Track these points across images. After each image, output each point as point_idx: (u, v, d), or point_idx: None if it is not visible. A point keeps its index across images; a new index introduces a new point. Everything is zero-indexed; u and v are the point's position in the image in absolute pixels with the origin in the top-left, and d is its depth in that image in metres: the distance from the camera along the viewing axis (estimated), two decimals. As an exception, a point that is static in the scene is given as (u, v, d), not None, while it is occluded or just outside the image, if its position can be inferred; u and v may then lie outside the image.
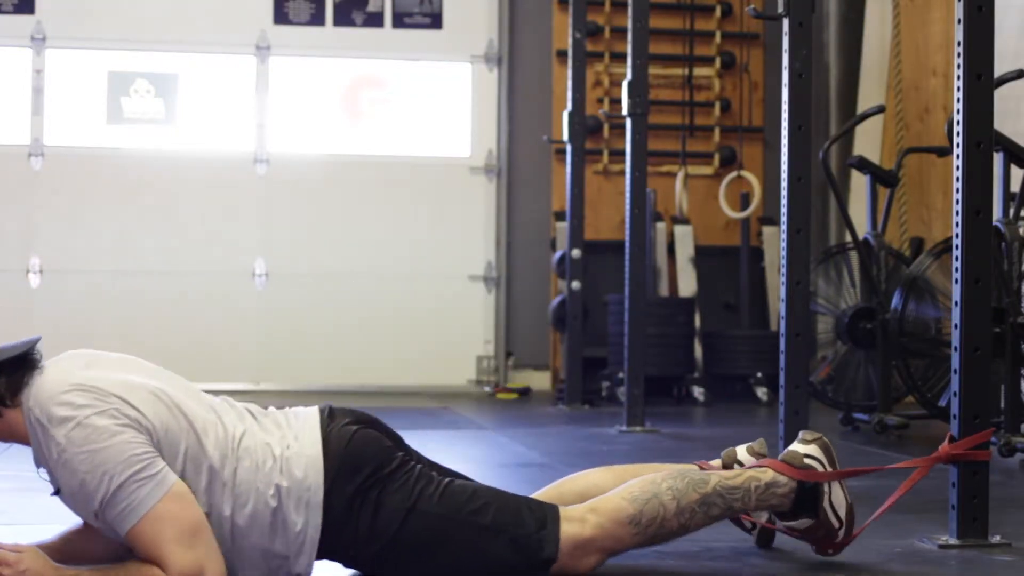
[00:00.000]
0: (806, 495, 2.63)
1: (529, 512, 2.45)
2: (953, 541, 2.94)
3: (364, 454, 2.40)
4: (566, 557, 2.43)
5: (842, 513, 2.67)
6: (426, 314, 7.82)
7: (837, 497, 2.67)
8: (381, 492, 2.38)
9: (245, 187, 7.75)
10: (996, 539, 2.95)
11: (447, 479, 2.48)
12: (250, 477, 2.34)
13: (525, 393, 7.65)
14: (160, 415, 2.29)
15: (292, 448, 2.38)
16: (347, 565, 2.46)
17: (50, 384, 2.26)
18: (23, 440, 2.33)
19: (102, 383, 2.27)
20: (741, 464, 2.74)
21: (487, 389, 7.76)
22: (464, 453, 5.08)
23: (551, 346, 7.95)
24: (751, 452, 2.77)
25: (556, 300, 7.28)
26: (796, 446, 2.71)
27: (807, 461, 2.66)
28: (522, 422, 6.05)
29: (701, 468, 2.69)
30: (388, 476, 2.40)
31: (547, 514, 2.45)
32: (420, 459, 2.54)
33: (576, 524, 2.45)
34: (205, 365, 7.56)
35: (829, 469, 2.67)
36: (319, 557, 2.40)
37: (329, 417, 2.46)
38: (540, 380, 7.95)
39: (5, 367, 2.31)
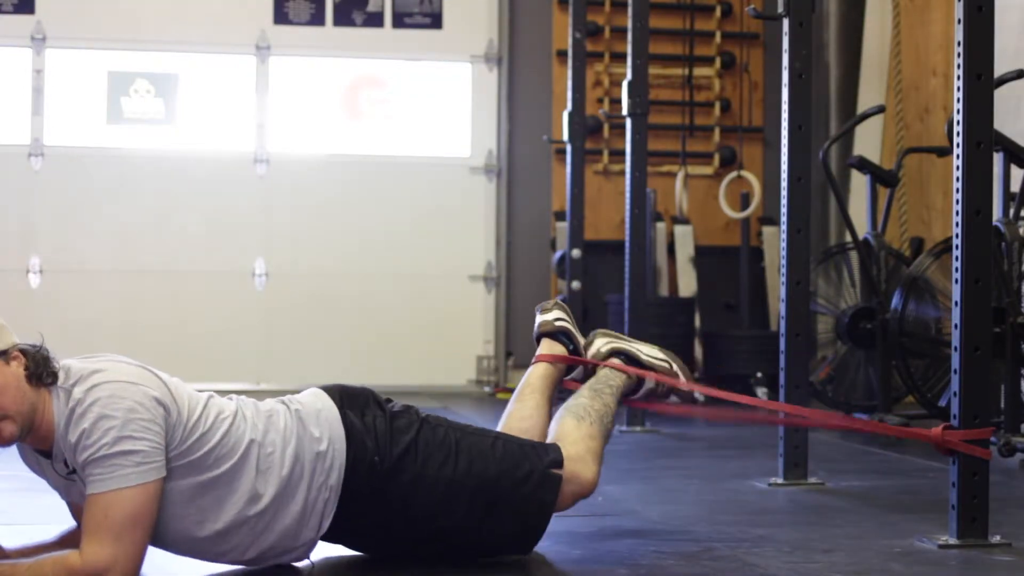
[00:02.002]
0: (630, 360, 3.10)
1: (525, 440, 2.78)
2: (953, 541, 2.94)
3: (361, 391, 2.69)
4: (570, 464, 2.69)
5: (661, 355, 3.16)
6: (426, 314, 7.82)
7: (651, 351, 3.15)
8: (392, 411, 2.64)
9: (245, 187, 7.75)
10: (996, 539, 2.95)
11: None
12: (268, 423, 2.52)
13: (525, 393, 7.64)
14: (184, 399, 2.44)
15: (290, 397, 2.66)
16: (371, 486, 2.54)
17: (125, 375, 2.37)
18: (44, 428, 2.36)
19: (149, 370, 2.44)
20: (550, 321, 3.15)
21: (487, 389, 7.76)
22: (464, 453, 5.08)
23: (551, 346, 7.94)
24: (544, 311, 3.18)
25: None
26: (541, 317, 3.16)
27: (559, 324, 3.13)
28: (522, 422, 6.04)
29: (546, 361, 3.09)
30: (390, 402, 2.70)
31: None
32: None
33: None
34: (205, 365, 7.57)
35: (572, 322, 3.16)
36: (346, 479, 2.52)
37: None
38: (540, 380, 7.93)
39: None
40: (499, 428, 2.94)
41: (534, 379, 3.06)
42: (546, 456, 2.67)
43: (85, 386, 2.32)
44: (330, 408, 2.57)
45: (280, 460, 2.47)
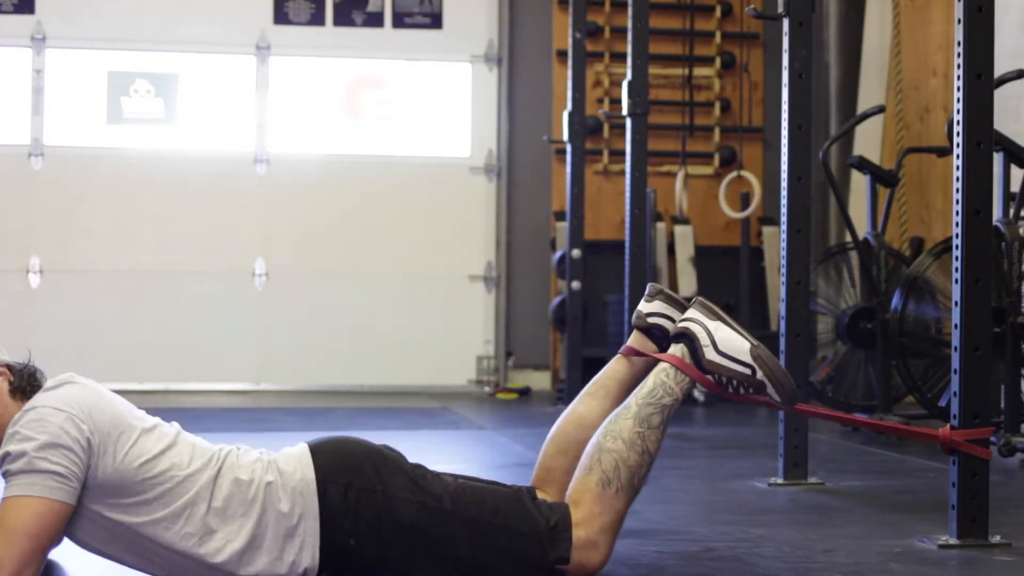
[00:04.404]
0: (694, 355, 2.67)
1: (539, 514, 2.46)
2: (953, 541, 2.94)
3: (359, 453, 2.44)
4: (579, 554, 2.44)
5: (745, 358, 2.64)
6: (426, 314, 7.82)
7: (729, 345, 2.65)
8: (386, 487, 2.40)
9: (245, 187, 7.75)
10: (996, 539, 2.95)
11: (452, 477, 2.50)
12: (235, 488, 2.38)
13: (525, 393, 7.65)
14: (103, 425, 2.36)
15: (276, 455, 2.46)
16: (348, 565, 2.43)
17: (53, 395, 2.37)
18: None
19: (81, 400, 2.36)
20: (645, 315, 2.82)
21: (487, 389, 7.76)
22: (464, 453, 5.08)
23: (551, 346, 7.96)
24: (649, 299, 2.84)
25: (556, 300, 7.28)
26: (640, 305, 2.84)
27: (652, 320, 2.80)
28: (522, 422, 6.05)
29: (626, 355, 2.80)
30: (385, 465, 2.43)
31: (558, 515, 2.46)
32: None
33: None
34: (205, 365, 7.57)
35: (676, 316, 2.76)
36: (322, 557, 2.39)
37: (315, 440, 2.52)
38: (540, 380, 7.95)
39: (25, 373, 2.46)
40: (559, 423, 2.77)
41: (610, 380, 2.79)
42: (553, 551, 2.43)
43: (23, 409, 2.35)
44: (309, 481, 2.39)
45: (236, 532, 2.37)
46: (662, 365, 2.64)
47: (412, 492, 2.41)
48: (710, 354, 2.65)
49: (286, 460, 2.43)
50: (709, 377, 2.65)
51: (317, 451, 2.44)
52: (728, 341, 2.65)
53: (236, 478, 2.39)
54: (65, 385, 2.39)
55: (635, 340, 2.83)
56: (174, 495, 2.35)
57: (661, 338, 2.79)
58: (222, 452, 2.44)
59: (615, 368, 2.82)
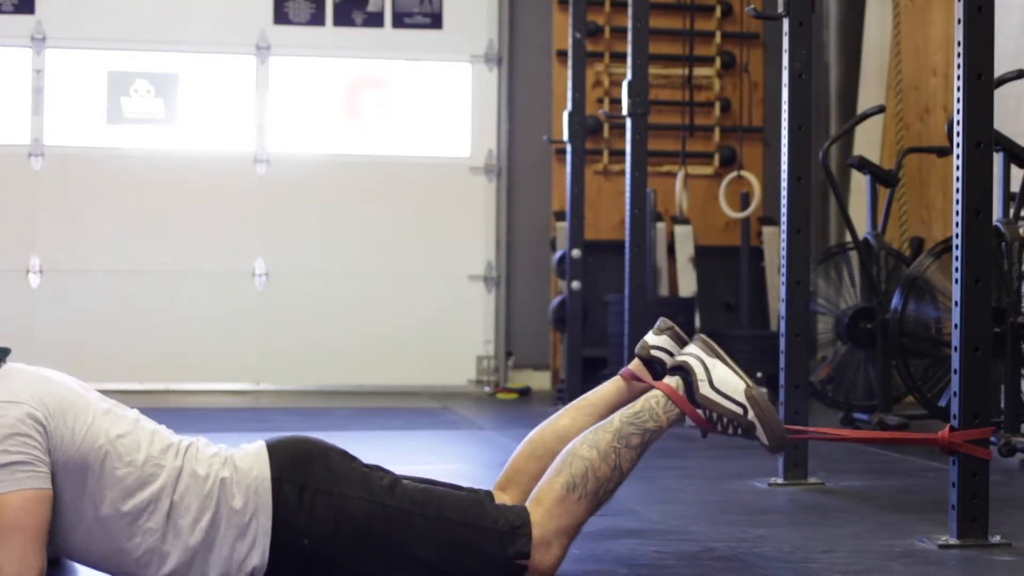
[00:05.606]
0: (688, 388, 2.66)
1: (499, 514, 2.47)
2: (953, 541, 2.94)
3: (312, 454, 2.44)
4: (533, 553, 2.44)
5: (739, 397, 2.63)
6: (426, 314, 7.82)
7: (724, 383, 2.65)
8: (342, 489, 2.40)
9: (245, 187, 7.75)
10: (996, 539, 2.95)
11: (410, 480, 2.51)
12: (192, 482, 2.37)
13: (525, 393, 7.65)
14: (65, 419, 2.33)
15: (234, 451, 2.45)
16: (300, 564, 2.42)
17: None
18: None
19: (32, 388, 2.34)
20: (649, 347, 2.88)
21: (487, 389, 7.76)
22: (464, 453, 5.08)
23: (551, 346, 7.95)
24: (657, 332, 2.91)
25: (556, 300, 7.27)
26: (648, 336, 2.91)
27: (655, 353, 2.86)
28: (522, 422, 6.05)
29: (624, 378, 2.85)
30: (342, 467, 2.44)
31: (517, 516, 2.47)
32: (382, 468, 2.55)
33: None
34: (205, 365, 7.57)
35: (677, 353, 2.78)
36: (272, 556, 2.38)
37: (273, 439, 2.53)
38: (540, 380, 7.95)
39: None
40: (539, 429, 2.78)
41: (600, 400, 2.83)
42: (512, 546, 2.43)
43: None
44: (264, 479, 2.39)
45: (191, 528, 2.37)
46: (654, 392, 2.65)
47: (368, 492, 2.41)
48: (704, 389, 2.65)
49: (243, 457, 2.43)
50: (700, 412, 2.65)
51: (274, 450, 2.44)
52: (723, 379, 2.65)
53: (193, 471, 2.38)
54: (9, 376, 2.37)
55: (635, 366, 2.88)
56: (137, 483, 2.34)
57: (660, 372, 2.82)
58: (183, 444, 2.42)
59: (609, 390, 2.85)
